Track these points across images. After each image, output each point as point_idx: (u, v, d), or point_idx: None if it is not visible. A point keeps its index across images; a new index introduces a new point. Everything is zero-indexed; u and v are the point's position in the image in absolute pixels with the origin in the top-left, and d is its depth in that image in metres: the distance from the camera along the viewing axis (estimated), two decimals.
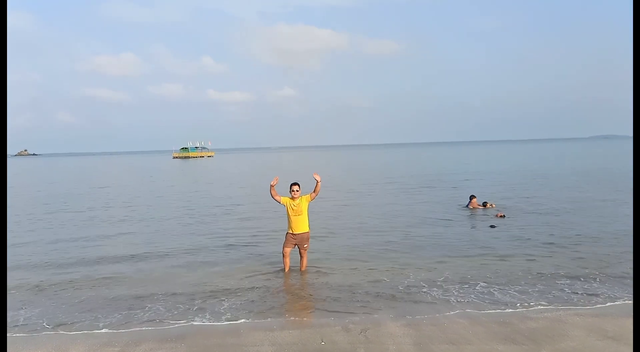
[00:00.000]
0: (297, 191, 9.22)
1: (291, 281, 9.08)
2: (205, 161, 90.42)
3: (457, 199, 20.18)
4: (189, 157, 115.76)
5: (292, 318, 7.14)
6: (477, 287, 8.29)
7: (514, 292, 7.98)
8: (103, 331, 6.74)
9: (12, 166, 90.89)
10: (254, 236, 13.39)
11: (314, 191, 9.24)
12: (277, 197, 9.23)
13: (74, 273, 9.92)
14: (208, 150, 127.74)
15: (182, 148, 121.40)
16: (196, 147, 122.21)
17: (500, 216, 15.21)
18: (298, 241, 9.29)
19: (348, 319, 6.88)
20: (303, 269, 9.51)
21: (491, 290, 8.14)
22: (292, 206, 9.19)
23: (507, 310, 7.16)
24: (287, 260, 9.49)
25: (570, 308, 7.17)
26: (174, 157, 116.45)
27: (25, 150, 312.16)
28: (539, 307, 7.26)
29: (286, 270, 9.45)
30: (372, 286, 8.51)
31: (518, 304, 7.40)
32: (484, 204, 17.27)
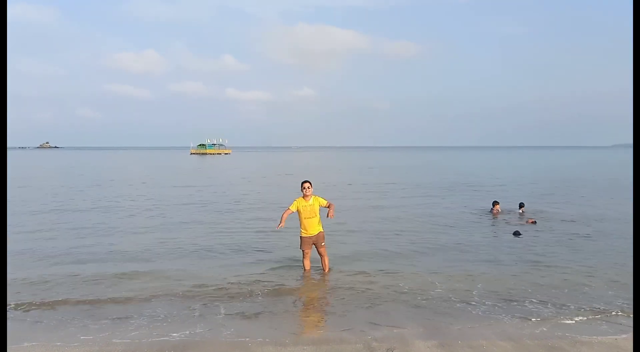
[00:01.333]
0: (308, 188, 8.62)
1: (307, 286, 8.30)
2: (224, 158, 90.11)
3: (483, 203, 19.14)
4: (206, 153, 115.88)
5: (307, 332, 6.32)
6: (514, 302, 7.35)
7: (556, 310, 7.03)
8: (90, 337, 5.98)
9: (33, 157, 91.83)
10: (271, 235, 12.60)
11: (328, 206, 8.60)
12: (287, 213, 8.69)
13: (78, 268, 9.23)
14: (225, 147, 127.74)
15: (200, 144, 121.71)
16: (213, 144, 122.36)
17: (532, 222, 14.20)
18: (314, 240, 8.79)
19: (370, 334, 6.01)
20: (326, 270, 8.94)
21: (530, 306, 7.20)
22: (305, 207, 8.61)
23: (557, 333, 6.20)
24: (307, 261, 8.97)
25: (627, 331, 6.20)
26: (191, 154, 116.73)
27: (47, 143, 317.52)
28: (590, 329, 6.29)
29: (306, 269, 8.93)
30: (396, 294, 7.66)
31: (566, 326, 6.45)
32: (520, 206, 16.28)
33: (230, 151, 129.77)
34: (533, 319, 6.64)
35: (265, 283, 8.28)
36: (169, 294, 7.68)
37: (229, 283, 8.24)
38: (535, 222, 14.21)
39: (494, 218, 15.63)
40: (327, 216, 8.44)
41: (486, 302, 7.31)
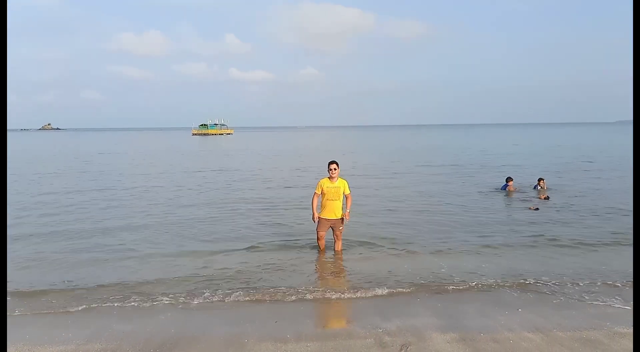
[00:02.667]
0: (335, 169, 8.12)
1: (313, 271, 7.68)
2: (228, 139, 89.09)
3: (496, 181, 18.43)
4: (208, 134, 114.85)
5: (311, 324, 5.68)
6: (537, 285, 6.74)
7: (585, 295, 6.39)
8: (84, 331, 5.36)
9: (34, 138, 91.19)
10: (281, 213, 11.96)
11: (347, 199, 8.36)
12: (316, 199, 8.32)
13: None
14: (227, 127, 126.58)
15: (201, 125, 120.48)
16: (215, 124, 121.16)
17: (544, 198, 13.51)
18: (332, 224, 8.37)
19: (382, 327, 5.37)
20: (338, 249, 8.55)
21: (555, 290, 6.57)
22: (330, 188, 8.15)
23: (589, 321, 5.55)
24: (322, 242, 8.57)
25: None
26: (193, 134, 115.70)
27: (49, 124, 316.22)
28: (629, 317, 5.64)
29: (322, 248, 8.57)
30: (409, 281, 7.01)
31: (597, 313, 5.80)
32: (539, 180, 15.56)
33: (232, 131, 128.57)
34: (562, 307, 6.00)
35: (270, 266, 7.70)
36: (159, 282, 7.06)
37: (227, 267, 7.65)
38: (548, 197, 13.54)
39: (506, 196, 14.92)
40: (344, 216, 8.21)
41: (506, 288, 6.69)
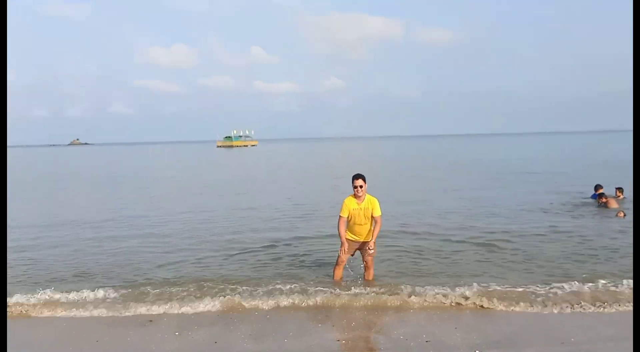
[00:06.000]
0: (360, 187, 6.33)
1: (337, 303, 5.88)
2: (254, 150, 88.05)
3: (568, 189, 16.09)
4: (232, 146, 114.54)
5: None
6: None
7: None
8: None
9: (67, 154, 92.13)
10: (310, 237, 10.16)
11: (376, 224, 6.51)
12: (343, 224, 6.47)
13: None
14: (251, 139, 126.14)
15: (226, 137, 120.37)
16: (239, 136, 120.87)
17: (622, 216, 11.00)
18: (361, 247, 6.67)
19: None
20: (369, 278, 6.75)
21: None
22: (357, 210, 6.40)
23: None
24: (341, 270, 6.76)
25: None
26: (217, 146, 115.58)
27: (77, 140, 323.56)
28: None
29: (336, 278, 6.71)
30: (469, 329, 5.17)
31: None
32: (619, 191, 12.72)
33: (257, 143, 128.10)
34: None
35: (287, 297, 6.00)
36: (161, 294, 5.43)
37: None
38: (624, 215, 11.08)
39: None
40: (368, 248, 6.39)
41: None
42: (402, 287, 6.11)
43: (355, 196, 6.34)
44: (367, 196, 6.42)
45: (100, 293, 6.23)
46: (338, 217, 6.47)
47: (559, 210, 12.08)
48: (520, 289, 5.98)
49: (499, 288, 6.05)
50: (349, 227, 6.50)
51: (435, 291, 6.02)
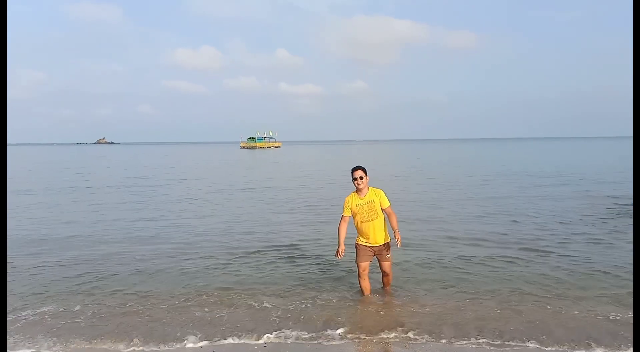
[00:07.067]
0: (360, 178, 5.86)
1: (361, 317, 5.40)
2: (277, 152, 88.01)
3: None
4: (255, 147, 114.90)
5: None
6: None
7: None
8: None
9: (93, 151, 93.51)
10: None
11: (390, 215, 5.93)
12: (344, 225, 6.04)
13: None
14: (275, 140, 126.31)
15: (250, 138, 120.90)
16: (263, 138, 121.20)
17: None
18: (376, 251, 6.04)
19: None
20: (387, 287, 6.37)
21: None
22: (360, 206, 5.90)
23: None
24: (366, 281, 6.16)
25: None
26: (241, 147, 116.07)
27: (104, 138, 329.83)
28: None
29: (365, 292, 6.16)
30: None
31: None
32: None
33: (280, 144, 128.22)
34: None
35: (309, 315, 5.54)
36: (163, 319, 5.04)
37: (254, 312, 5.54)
38: None
39: None
40: (395, 239, 5.74)
41: None
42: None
43: (357, 190, 5.89)
44: (370, 188, 5.95)
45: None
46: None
47: None
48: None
49: None
50: (358, 230, 5.99)
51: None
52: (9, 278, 6.75)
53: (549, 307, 5.69)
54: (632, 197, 14.18)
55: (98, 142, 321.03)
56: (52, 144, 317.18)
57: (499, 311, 5.58)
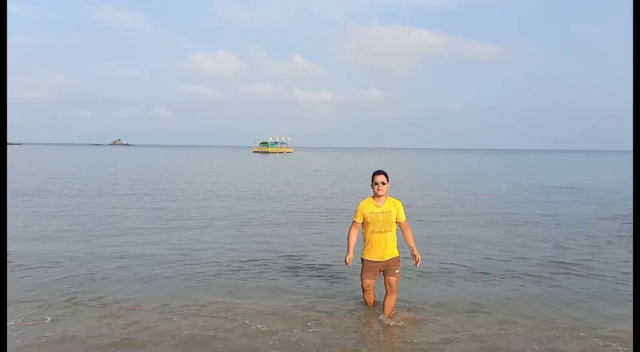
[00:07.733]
0: (382, 183, 5.38)
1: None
2: (292, 157, 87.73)
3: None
4: (267, 152, 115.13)
5: None
6: None
7: None
8: None
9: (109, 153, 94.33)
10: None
11: (405, 230, 5.62)
12: (355, 231, 5.63)
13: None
14: (287, 146, 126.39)
15: (262, 143, 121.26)
16: (276, 143, 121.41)
17: None
18: (383, 267, 5.55)
19: None
20: (387, 312, 5.64)
21: None
22: (376, 214, 5.40)
23: None
24: (371, 295, 5.85)
25: None
26: (253, 152, 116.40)
27: (119, 140, 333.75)
28: None
29: (369, 303, 5.89)
30: None
31: None
32: None
33: (292, 150, 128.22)
34: None
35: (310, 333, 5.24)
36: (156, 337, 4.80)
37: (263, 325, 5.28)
38: None
39: None
40: (415, 260, 5.47)
41: None
42: None
43: (375, 195, 5.42)
44: (389, 198, 5.49)
45: None
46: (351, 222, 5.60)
47: None
48: None
49: None
50: (367, 240, 5.51)
51: None
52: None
53: None
54: None
55: (114, 144, 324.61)
56: (66, 144, 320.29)
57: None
